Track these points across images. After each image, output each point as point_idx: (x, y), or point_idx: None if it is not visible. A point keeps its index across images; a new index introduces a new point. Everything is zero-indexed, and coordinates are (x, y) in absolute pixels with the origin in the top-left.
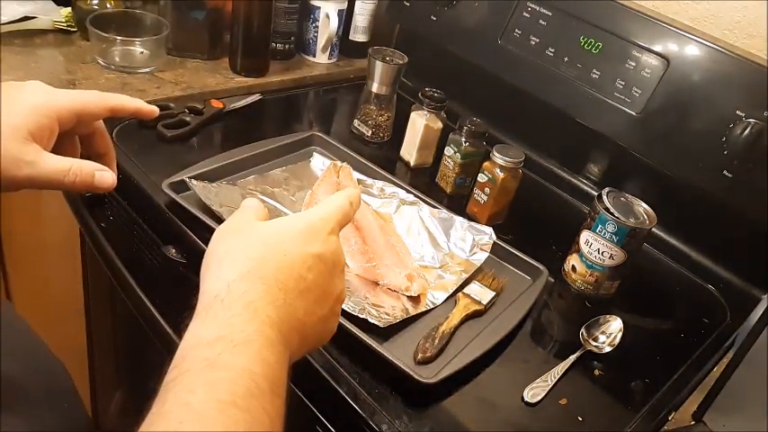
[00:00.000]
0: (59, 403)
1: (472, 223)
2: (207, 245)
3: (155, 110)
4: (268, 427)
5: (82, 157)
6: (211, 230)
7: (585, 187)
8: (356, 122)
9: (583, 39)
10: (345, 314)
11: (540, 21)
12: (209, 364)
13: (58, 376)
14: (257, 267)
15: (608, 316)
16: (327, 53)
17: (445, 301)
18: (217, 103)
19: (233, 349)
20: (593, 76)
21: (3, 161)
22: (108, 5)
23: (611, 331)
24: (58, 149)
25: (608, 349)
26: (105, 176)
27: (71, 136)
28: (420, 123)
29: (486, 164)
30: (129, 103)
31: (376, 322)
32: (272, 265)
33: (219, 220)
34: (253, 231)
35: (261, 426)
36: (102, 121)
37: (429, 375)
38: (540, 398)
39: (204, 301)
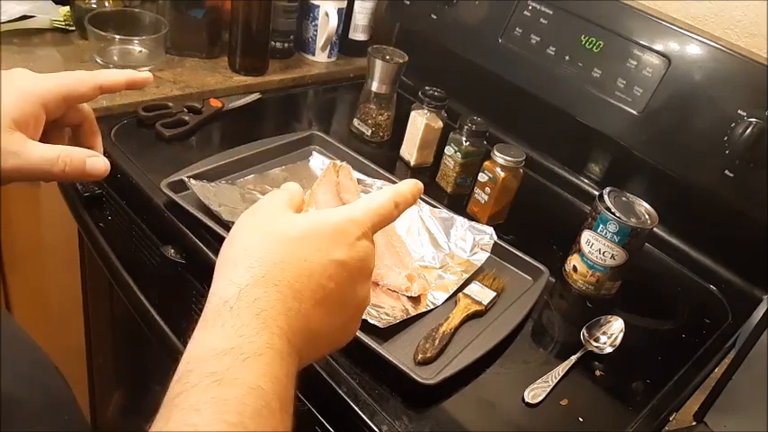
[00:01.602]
0: (59, 416)
1: (473, 223)
2: (205, 245)
3: (148, 77)
4: None
5: None
6: (210, 230)
7: (587, 187)
8: (356, 122)
9: (584, 37)
10: None
11: (541, 19)
12: (216, 381)
13: (58, 389)
14: (273, 273)
15: (609, 316)
16: (327, 52)
17: (446, 301)
18: (216, 102)
19: (242, 363)
20: (595, 75)
21: None
22: (106, 4)
23: (612, 332)
24: (45, 141)
25: (609, 350)
26: (97, 162)
27: (60, 127)
28: (420, 122)
29: (486, 163)
30: (119, 76)
31: (376, 323)
32: (289, 271)
33: (218, 220)
34: (277, 226)
35: None
36: (91, 109)
37: (429, 376)
38: (540, 398)
39: (213, 304)
